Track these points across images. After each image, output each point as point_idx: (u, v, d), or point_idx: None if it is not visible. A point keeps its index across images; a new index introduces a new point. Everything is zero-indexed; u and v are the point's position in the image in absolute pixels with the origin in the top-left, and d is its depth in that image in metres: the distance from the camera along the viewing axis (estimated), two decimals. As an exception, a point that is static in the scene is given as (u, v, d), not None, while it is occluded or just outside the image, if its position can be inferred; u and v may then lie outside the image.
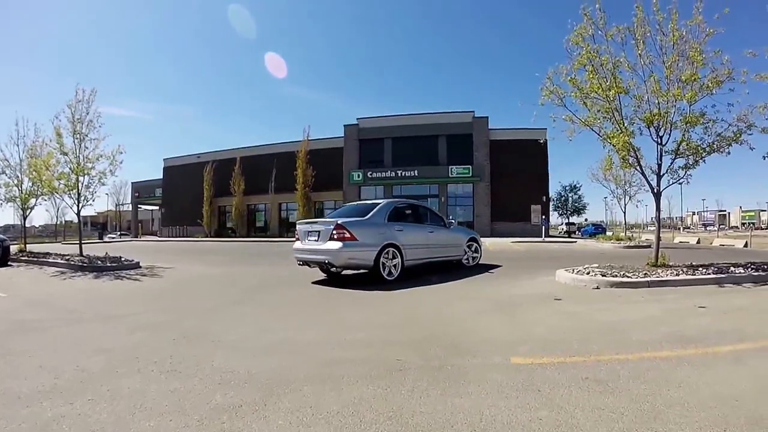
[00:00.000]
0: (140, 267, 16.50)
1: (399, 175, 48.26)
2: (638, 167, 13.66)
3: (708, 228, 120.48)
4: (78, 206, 19.89)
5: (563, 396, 4.19)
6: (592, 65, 12.64)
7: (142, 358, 5.48)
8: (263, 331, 7.08)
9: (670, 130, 12.91)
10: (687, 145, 12.81)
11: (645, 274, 11.75)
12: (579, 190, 76.04)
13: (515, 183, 45.61)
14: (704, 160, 13.11)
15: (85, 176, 19.88)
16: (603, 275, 11.63)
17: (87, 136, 20.10)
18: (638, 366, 5.01)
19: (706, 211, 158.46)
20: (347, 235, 11.82)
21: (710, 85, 12.24)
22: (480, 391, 4.33)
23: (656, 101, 12.62)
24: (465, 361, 5.25)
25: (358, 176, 49.89)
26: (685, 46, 12.29)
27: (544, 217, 44.22)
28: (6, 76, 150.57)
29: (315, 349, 5.91)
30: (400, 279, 12.34)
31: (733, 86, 12.31)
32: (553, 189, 73.35)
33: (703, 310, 8.24)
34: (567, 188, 76.79)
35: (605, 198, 54.76)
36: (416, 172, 47.80)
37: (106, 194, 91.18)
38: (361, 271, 12.70)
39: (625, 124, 12.93)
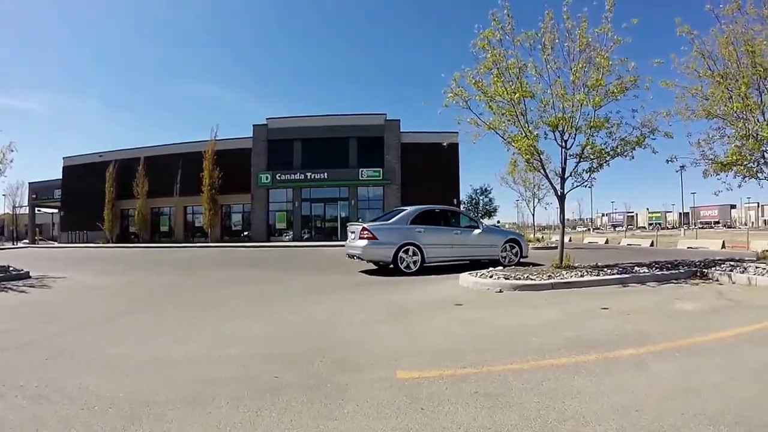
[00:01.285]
0: (30, 277, 15.22)
1: (309, 177, 47.36)
2: (542, 170, 14.03)
3: (617, 228, 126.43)
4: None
5: (448, 415, 3.93)
6: (498, 69, 12.71)
7: (7, 381, 4.94)
8: (143, 347, 6.54)
9: (575, 135, 13.19)
10: (591, 148, 13.12)
11: (549, 276, 11.85)
12: (490, 193, 77.00)
13: (426, 186, 44.98)
14: (608, 164, 13.57)
15: None
16: (506, 278, 11.67)
17: None
18: (533, 376, 4.87)
19: (615, 212, 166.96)
20: (370, 235, 15.05)
21: (615, 91, 12.62)
22: (357, 412, 4.04)
23: (561, 106, 12.87)
24: (347, 378, 4.96)
25: (267, 178, 48.23)
26: (592, 53, 12.60)
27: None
28: None
29: (191, 367, 5.50)
30: (417, 272, 14.80)
31: (638, 93, 12.87)
32: (464, 192, 74.28)
33: (605, 311, 8.33)
34: (478, 191, 77.67)
35: (516, 201, 55.82)
36: (326, 174, 46.95)
37: (4, 195, 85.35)
38: (382, 263, 15.52)
39: (530, 128, 13.08)
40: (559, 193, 13.75)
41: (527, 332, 6.89)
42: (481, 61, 12.99)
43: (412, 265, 15.05)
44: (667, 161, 15.04)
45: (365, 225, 15.68)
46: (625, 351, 5.73)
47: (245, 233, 49.21)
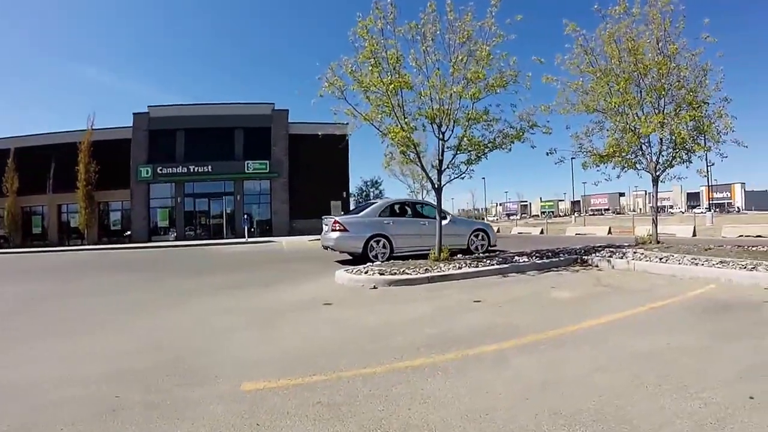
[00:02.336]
0: None
1: (192, 170, 44.77)
2: (419, 163, 14.00)
3: (511, 217, 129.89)
4: None
5: (283, 430, 3.68)
6: (375, 59, 12.41)
7: None
8: None
9: (453, 127, 13.20)
10: (469, 141, 13.18)
11: (426, 269, 11.65)
12: (380, 185, 77.38)
13: (315, 179, 44.58)
14: (486, 156, 13.70)
15: None
16: (381, 274, 11.40)
17: None
18: (385, 380, 4.63)
19: (509, 201, 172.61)
20: (341, 227, 15.97)
21: (495, 84, 12.70)
22: (193, 429, 3.73)
23: (438, 97, 12.77)
24: (191, 392, 4.57)
25: (147, 172, 44.31)
26: (473, 47, 12.57)
27: (342, 213, 42.63)
28: None
29: (30, 391, 4.83)
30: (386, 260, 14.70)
31: (518, 89, 13.02)
32: (355, 184, 74.20)
33: (478, 304, 8.23)
34: (368, 183, 77.86)
35: (409, 193, 56.11)
36: (211, 167, 44.60)
37: None
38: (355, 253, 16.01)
39: (407, 120, 12.89)
40: (435, 186, 13.79)
41: (391, 331, 6.66)
42: (360, 51, 12.66)
43: (380, 256, 15.60)
44: (547, 154, 15.66)
45: (337, 218, 16.80)
46: (489, 346, 5.57)
47: (126, 233, 45.52)
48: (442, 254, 13.27)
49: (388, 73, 12.45)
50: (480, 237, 17.85)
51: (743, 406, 3.67)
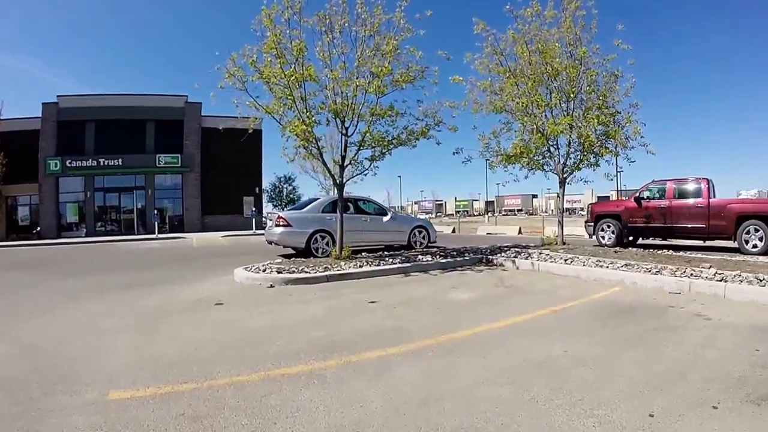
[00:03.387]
0: None
1: (102, 164, 42.89)
2: (320, 158, 13.65)
3: (427, 216, 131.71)
4: None
5: None
6: (278, 49, 11.93)
7: None
8: None
9: (357, 122, 12.91)
10: (372, 137, 12.91)
11: (326, 267, 11.42)
12: (294, 181, 77.29)
13: (228, 174, 43.65)
14: (390, 153, 13.46)
15: None
16: (279, 272, 11.05)
17: None
18: (257, 390, 4.36)
19: (425, 200, 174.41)
20: (285, 222, 15.97)
21: (400, 80, 12.50)
22: None
23: (342, 91, 12.47)
24: (57, 401, 4.26)
25: (56, 165, 41.70)
26: (381, 40, 12.28)
27: (254, 209, 42.55)
28: None
29: None
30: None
31: (425, 85, 12.89)
32: (268, 180, 73.55)
33: (372, 305, 7.98)
34: (282, 179, 77.52)
35: (323, 189, 55.99)
36: (121, 160, 42.90)
37: None
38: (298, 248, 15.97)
39: (311, 114, 12.54)
40: (338, 182, 13.50)
41: (275, 334, 6.31)
42: (263, 40, 12.16)
43: (320, 252, 15.65)
44: (454, 153, 15.58)
45: (280, 213, 16.93)
46: (373, 353, 5.28)
47: (35, 230, 42.72)
48: (343, 252, 13.03)
49: (292, 65, 12.02)
50: (421, 234, 18.32)
51: (642, 426, 3.42)
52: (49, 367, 5.32)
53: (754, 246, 13.70)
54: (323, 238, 15.81)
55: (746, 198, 17.43)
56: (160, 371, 4.97)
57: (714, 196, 15.43)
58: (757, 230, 13.74)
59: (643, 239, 17.70)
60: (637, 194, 16.96)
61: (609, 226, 16.41)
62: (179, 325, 7.29)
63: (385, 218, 17.80)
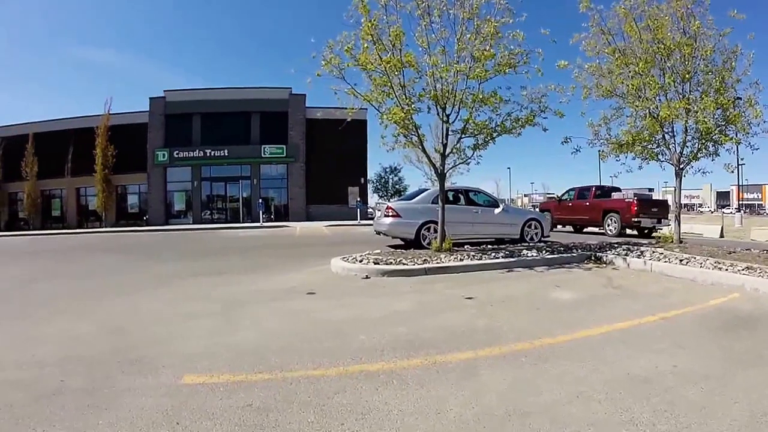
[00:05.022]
0: None
1: (208, 154, 44.06)
2: (420, 146, 13.27)
3: (536, 209, 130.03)
4: None
5: None
6: (373, 36, 11.60)
7: None
8: None
9: (458, 109, 12.39)
10: (475, 124, 12.39)
11: (425, 260, 10.99)
12: (400, 171, 76.58)
13: (333, 164, 44.00)
14: (494, 141, 12.88)
15: None
16: (376, 263, 10.79)
17: None
18: (331, 385, 4.17)
19: (536, 193, 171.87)
20: (394, 213, 15.68)
21: (503, 64, 11.91)
22: (112, 423, 3.55)
23: (442, 77, 11.95)
24: (131, 381, 4.38)
25: (164, 156, 44.37)
26: (482, 24, 11.71)
27: (359, 199, 42.90)
28: None
29: None
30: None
31: (529, 69, 12.13)
32: (374, 170, 73.42)
33: (469, 302, 7.51)
34: (387, 170, 77.09)
35: (428, 179, 55.37)
36: (227, 151, 44.38)
37: None
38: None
39: (411, 101, 12.10)
40: (439, 171, 13.02)
41: (360, 327, 6.06)
42: (359, 27, 11.82)
43: (433, 242, 14.44)
44: (562, 142, 14.67)
45: (389, 204, 16.64)
46: (461, 354, 4.90)
47: (144, 217, 45.36)
48: (444, 244, 12.57)
49: (389, 51, 11.67)
50: (533, 227, 17.55)
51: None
52: (128, 348, 5.46)
53: (612, 230, 22.43)
54: (429, 229, 15.22)
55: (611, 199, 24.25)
56: (238, 359, 4.98)
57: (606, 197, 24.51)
58: (613, 220, 22.31)
59: (562, 228, 25.43)
60: (560, 197, 27.40)
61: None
62: (265, 313, 7.26)
63: (497, 210, 17.05)
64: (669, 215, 22.99)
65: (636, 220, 21.91)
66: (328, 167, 43.71)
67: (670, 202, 25.36)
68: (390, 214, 15.81)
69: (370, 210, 43.31)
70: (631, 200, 22.56)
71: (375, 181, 74.21)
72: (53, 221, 47.78)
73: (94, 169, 43.64)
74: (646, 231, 22.53)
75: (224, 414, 3.65)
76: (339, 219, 39.40)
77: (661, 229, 22.55)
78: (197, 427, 3.45)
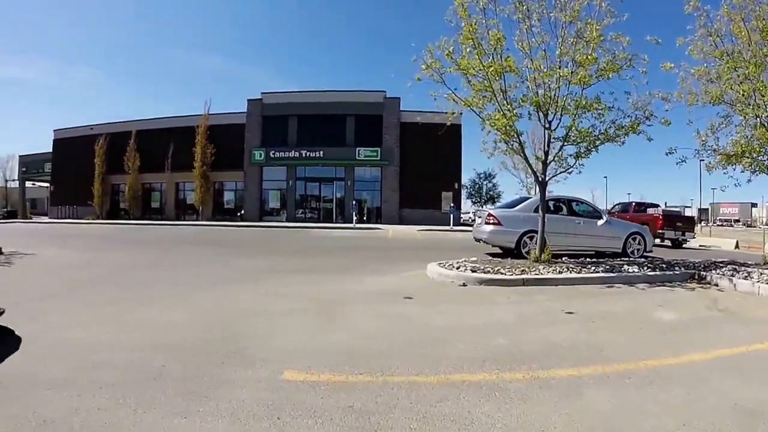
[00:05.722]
0: (2, 253, 14.31)
1: (304, 155, 45.72)
2: (522, 154, 12.85)
3: None
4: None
5: (300, 430, 3.45)
6: (474, 40, 11.48)
7: None
8: (50, 327, 6.23)
9: (560, 115, 12.05)
10: (577, 131, 12.04)
11: (523, 270, 10.78)
12: (494, 177, 75.44)
13: (426, 168, 43.89)
14: (597, 150, 12.43)
15: None
16: (474, 271, 10.64)
17: None
18: (433, 393, 4.11)
19: (617, 204, 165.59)
20: (495, 221, 15.66)
21: (606, 69, 11.49)
22: (213, 411, 3.71)
23: (544, 82, 11.73)
24: (231, 373, 4.58)
25: (260, 155, 46.39)
26: (584, 27, 11.39)
27: (453, 205, 42.60)
28: None
29: (86, 351, 5.21)
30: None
31: (633, 74, 11.70)
32: (467, 176, 72.75)
33: (569, 316, 7.31)
34: (481, 176, 76.13)
35: (524, 187, 54.28)
36: (322, 153, 45.33)
37: None
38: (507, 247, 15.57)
39: (512, 107, 11.90)
40: (540, 179, 12.61)
41: (458, 336, 5.97)
42: (459, 31, 11.73)
43: (532, 252, 13.94)
44: (667, 153, 13.66)
45: (491, 211, 16.56)
46: (563, 370, 4.75)
47: (239, 213, 47.78)
48: (543, 255, 12.23)
49: (490, 56, 11.51)
50: (637, 241, 16.82)
51: None
52: (226, 339, 5.70)
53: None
54: (532, 239, 14.46)
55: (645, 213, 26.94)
56: (337, 359, 5.00)
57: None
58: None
59: None
60: (610, 210, 30.67)
61: None
62: (363, 314, 7.34)
63: (600, 222, 16.56)
64: (694, 229, 28.49)
65: (660, 232, 25.24)
66: (422, 171, 43.68)
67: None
68: (491, 221, 15.72)
69: (463, 216, 43.10)
70: (658, 215, 26.67)
71: (469, 186, 73.36)
72: (152, 212, 51.06)
73: (193, 166, 46.22)
74: (676, 242, 26.46)
75: (325, 413, 3.69)
76: (431, 224, 39.20)
77: (687, 241, 27.27)
78: (298, 425, 3.50)
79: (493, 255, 15.13)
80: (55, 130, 57.41)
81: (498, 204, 21.77)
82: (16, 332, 5.71)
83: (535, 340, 5.82)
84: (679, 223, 26.16)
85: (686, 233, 26.61)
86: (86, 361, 4.85)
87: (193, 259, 14.78)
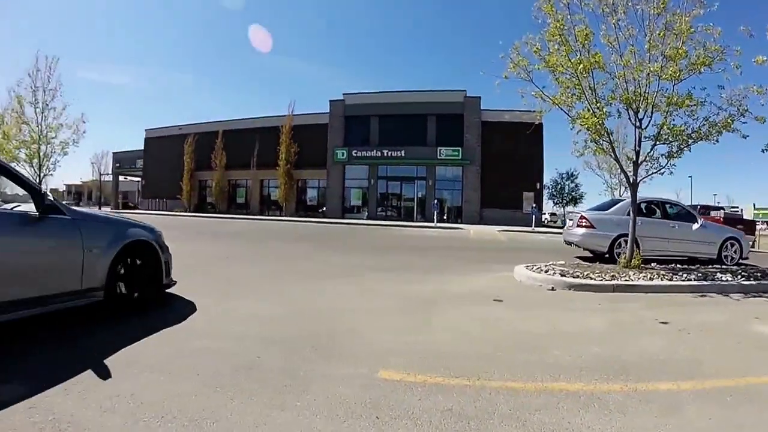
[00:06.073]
0: None
1: (385, 154, 47.04)
2: (612, 154, 12.36)
3: None
4: (39, 176, 20.07)
5: (398, 431, 3.40)
6: (561, 36, 11.21)
7: None
8: None
9: (651, 113, 11.54)
10: (669, 130, 11.48)
11: (613, 276, 10.38)
12: (576, 178, 73.96)
13: (508, 168, 43.63)
14: (689, 149, 11.83)
15: (47, 146, 20.08)
16: (563, 275, 10.37)
17: (47, 105, 21.35)
18: (531, 401, 3.98)
19: (718, 205, 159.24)
20: (588, 224, 15.10)
21: (697, 62, 10.90)
22: (309, 406, 3.73)
23: (633, 78, 11.25)
24: (326, 368, 4.64)
25: (343, 154, 48.03)
26: (673, 19, 10.89)
27: (534, 206, 41.90)
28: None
29: (187, 339, 5.45)
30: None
31: (724, 66, 10.98)
32: (549, 176, 71.60)
33: (663, 326, 6.93)
34: (563, 176, 74.82)
35: (608, 188, 52.54)
36: (403, 152, 46.32)
37: (92, 163, 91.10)
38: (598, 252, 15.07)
39: (601, 104, 11.51)
40: (631, 180, 12.09)
41: (553, 342, 5.81)
42: (545, 27, 11.51)
43: (621, 257, 13.47)
44: (763, 150, 12.67)
45: (584, 213, 15.97)
46: (662, 384, 4.50)
47: (321, 210, 49.31)
48: (633, 260, 11.71)
49: (577, 52, 11.24)
50: (733, 248, 15.87)
51: None
52: (320, 334, 5.79)
53: None
54: (624, 242, 13.72)
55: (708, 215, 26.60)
56: (431, 360, 4.96)
57: None
58: None
59: None
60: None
61: None
62: (455, 315, 7.27)
63: (695, 226, 15.71)
64: (754, 232, 27.72)
65: None
66: (503, 171, 43.54)
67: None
68: (583, 224, 15.22)
69: (545, 217, 42.55)
70: (720, 218, 27.44)
71: (550, 186, 72.25)
72: (237, 207, 54.51)
73: (278, 164, 49.00)
74: None
75: (424, 415, 3.64)
76: (512, 224, 38.88)
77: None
78: (397, 425, 3.48)
79: (583, 258, 14.91)
80: (146, 130, 63.26)
81: (589, 206, 20.59)
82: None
83: (630, 351, 5.60)
84: (739, 226, 24.14)
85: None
86: (185, 348, 5.08)
87: (285, 253, 15.06)
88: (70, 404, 3.58)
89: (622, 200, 16.23)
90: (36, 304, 5.12)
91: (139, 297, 6.62)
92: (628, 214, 13.23)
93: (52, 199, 5.49)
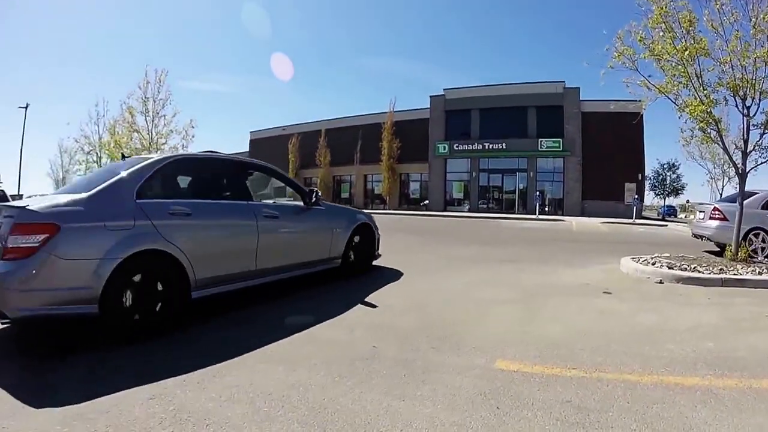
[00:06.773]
0: None
1: (486, 147, 47.35)
2: (720, 142, 11.83)
3: None
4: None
5: (520, 422, 3.44)
6: (666, 23, 10.92)
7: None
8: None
9: (759, 100, 11.04)
10: None
11: (721, 269, 9.98)
12: (678, 168, 71.30)
13: (608, 159, 42.79)
14: None
15: (157, 151, 21.51)
16: (670, 267, 10.09)
17: (158, 114, 24.75)
18: (647, 394, 3.96)
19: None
20: (721, 216, 14.10)
21: None
22: (431, 396, 3.83)
23: (740, 64, 10.79)
24: (442, 358, 4.74)
25: (444, 148, 48.84)
26: None
27: (636, 197, 40.26)
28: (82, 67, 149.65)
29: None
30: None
31: None
32: (650, 166, 69.32)
33: None
34: (665, 166, 72.29)
35: (711, 178, 50.27)
36: (504, 144, 46.43)
37: None
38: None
39: (708, 92, 11.11)
40: (739, 170, 11.59)
41: (666, 336, 5.73)
42: (648, 15, 11.27)
43: (759, 251, 13.59)
44: None
45: (717, 205, 14.96)
46: None
47: (424, 203, 50.43)
48: (740, 253, 11.30)
49: (682, 39, 10.90)
50: None
51: None
52: (434, 325, 5.91)
53: None
54: (758, 236, 13.65)
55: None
56: (547, 351, 5.01)
57: None
58: None
59: None
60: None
61: None
62: (563, 307, 7.27)
63: None
64: None
65: None
66: (604, 162, 42.78)
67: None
68: (716, 216, 14.29)
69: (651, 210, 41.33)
70: None
71: (651, 177, 69.98)
72: (342, 202, 54.92)
73: (380, 159, 50.43)
74: None
75: (543, 406, 3.66)
76: (613, 216, 38.21)
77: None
78: (517, 415, 3.51)
79: (711, 252, 14.44)
80: (251, 132, 67.41)
81: (719, 198, 19.17)
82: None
83: (743, 347, 5.44)
84: None
85: None
86: (302, 338, 5.38)
87: (398, 245, 15.10)
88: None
89: (756, 192, 14.96)
90: (305, 267, 7.97)
91: (359, 263, 9.54)
92: (762, 207, 13.77)
93: (315, 197, 8.29)
